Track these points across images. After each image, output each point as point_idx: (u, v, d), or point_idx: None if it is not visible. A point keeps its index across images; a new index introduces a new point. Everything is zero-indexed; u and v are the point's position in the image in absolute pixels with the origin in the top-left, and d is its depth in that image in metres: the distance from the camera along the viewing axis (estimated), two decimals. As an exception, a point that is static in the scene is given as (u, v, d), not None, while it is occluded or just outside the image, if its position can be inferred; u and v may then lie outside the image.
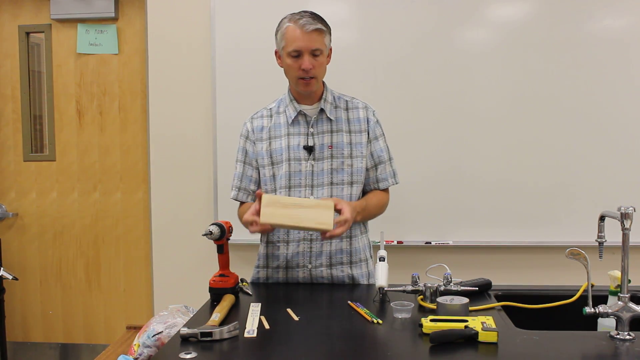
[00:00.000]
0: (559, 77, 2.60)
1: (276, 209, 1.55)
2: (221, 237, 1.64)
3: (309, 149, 1.81)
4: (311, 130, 1.82)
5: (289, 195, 1.79)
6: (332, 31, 1.80)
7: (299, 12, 1.75)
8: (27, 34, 3.02)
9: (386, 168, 1.88)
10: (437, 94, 2.64)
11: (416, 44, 2.64)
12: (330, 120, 1.83)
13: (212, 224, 1.64)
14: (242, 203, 1.91)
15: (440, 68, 2.64)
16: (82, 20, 2.95)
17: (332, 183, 1.81)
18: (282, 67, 1.81)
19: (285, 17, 1.77)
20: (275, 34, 1.79)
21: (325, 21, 1.76)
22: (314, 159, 1.81)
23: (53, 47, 3.00)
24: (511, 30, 2.61)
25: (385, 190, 1.91)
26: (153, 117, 2.85)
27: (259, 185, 1.88)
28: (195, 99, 2.82)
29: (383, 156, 1.87)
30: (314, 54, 1.73)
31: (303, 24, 1.70)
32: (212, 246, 1.69)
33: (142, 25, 2.92)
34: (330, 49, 1.83)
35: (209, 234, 1.61)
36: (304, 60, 1.72)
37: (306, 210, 1.56)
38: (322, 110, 1.83)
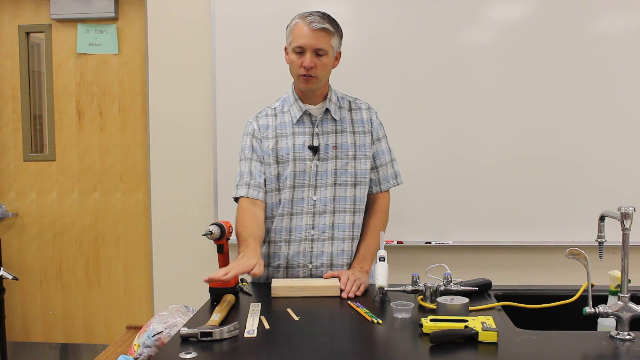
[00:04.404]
0: (560, 76, 2.60)
1: (286, 287, 1.67)
2: (221, 237, 1.64)
3: (314, 149, 1.80)
4: (316, 130, 1.82)
5: (293, 196, 1.80)
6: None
7: (312, 11, 1.76)
8: (27, 34, 3.02)
9: (387, 169, 1.89)
10: (437, 94, 2.64)
11: (416, 43, 2.64)
12: (335, 120, 1.83)
13: (212, 224, 1.64)
14: (241, 200, 1.82)
15: (441, 68, 2.63)
16: (82, 20, 2.95)
17: (335, 184, 1.81)
18: (288, 63, 1.81)
19: (297, 15, 1.77)
20: (286, 30, 1.80)
21: (336, 23, 1.77)
22: (318, 159, 1.81)
23: (53, 47, 3.00)
24: (512, 29, 2.60)
25: (386, 192, 1.92)
26: (153, 117, 2.85)
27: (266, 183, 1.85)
28: (195, 98, 2.82)
29: (385, 158, 1.88)
30: (318, 53, 1.73)
31: (310, 21, 1.71)
32: (212, 246, 1.69)
33: (142, 25, 2.92)
34: (339, 53, 1.83)
35: (209, 234, 1.61)
36: (305, 57, 1.72)
37: (315, 285, 1.69)
38: (327, 111, 1.83)
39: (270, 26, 2.66)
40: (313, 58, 1.72)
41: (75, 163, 3.04)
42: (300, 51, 1.73)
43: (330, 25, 1.73)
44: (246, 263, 1.52)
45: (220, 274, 1.45)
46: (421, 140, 2.66)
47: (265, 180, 1.83)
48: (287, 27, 1.79)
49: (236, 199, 1.85)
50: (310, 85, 1.77)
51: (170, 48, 2.82)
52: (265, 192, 1.83)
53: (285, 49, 1.82)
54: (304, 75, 1.74)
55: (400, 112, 2.65)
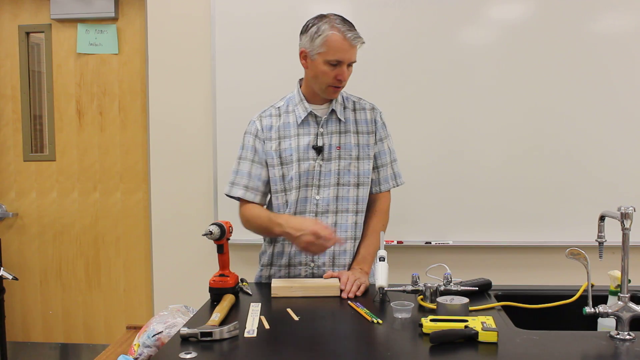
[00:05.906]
0: (560, 76, 2.60)
1: (286, 287, 1.68)
2: (221, 237, 1.64)
3: (318, 149, 1.80)
4: (321, 130, 1.81)
5: (298, 196, 1.80)
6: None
7: (337, 18, 1.72)
8: (27, 34, 3.02)
9: (387, 170, 1.89)
10: (437, 94, 2.64)
11: (416, 43, 2.64)
12: (340, 120, 1.83)
13: (212, 224, 1.64)
14: (243, 202, 1.85)
15: (441, 68, 2.63)
16: (82, 20, 2.95)
17: (338, 184, 1.81)
18: (306, 68, 1.79)
19: (322, 21, 1.71)
20: (310, 36, 1.72)
21: None
22: (322, 159, 1.81)
23: (53, 47, 3.00)
24: (512, 29, 2.60)
25: (386, 192, 1.91)
26: (153, 117, 2.85)
27: (267, 186, 1.85)
28: (195, 98, 2.82)
29: (386, 158, 1.88)
30: (349, 64, 1.75)
31: (351, 37, 1.70)
32: (212, 246, 1.69)
33: (142, 25, 2.92)
34: None
35: (209, 234, 1.61)
36: (342, 70, 1.72)
37: (314, 284, 1.70)
38: (332, 111, 1.83)
39: (271, 26, 2.67)
40: (346, 70, 1.74)
41: (75, 163, 3.04)
42: (336, 64, 1.71)
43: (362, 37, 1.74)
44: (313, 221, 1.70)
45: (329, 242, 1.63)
46: (421, 140, 2.66)
47: (262, 183, 1.84)
48: (315, 34, 1.70)
49: (230, 197, 1.88)
50: (337, 94, 1.81)
51: (170, 48, 2.82)
52: (263, 195, 1.86)
53: (303, 53, 1.76)
54: (336, 87, 1.76)
55: (400, 112, 2.65)
